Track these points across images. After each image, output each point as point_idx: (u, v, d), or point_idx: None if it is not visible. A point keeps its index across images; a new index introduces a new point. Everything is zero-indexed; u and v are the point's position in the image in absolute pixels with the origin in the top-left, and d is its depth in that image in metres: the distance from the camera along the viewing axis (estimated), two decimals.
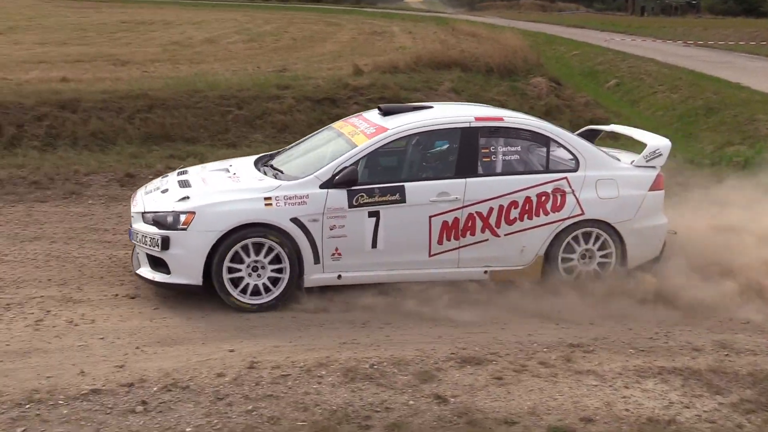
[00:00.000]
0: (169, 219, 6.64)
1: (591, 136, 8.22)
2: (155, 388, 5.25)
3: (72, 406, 5.02)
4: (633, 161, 7.48)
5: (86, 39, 26.95)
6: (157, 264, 6.70)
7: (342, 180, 6.75)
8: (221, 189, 6.95)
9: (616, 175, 7.31)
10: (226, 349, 5.90)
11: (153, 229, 6.67)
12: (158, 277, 6.73)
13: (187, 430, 4.81)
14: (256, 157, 7.86)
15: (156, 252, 6.64)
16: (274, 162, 7.55)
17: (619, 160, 7.52)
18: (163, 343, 6.04)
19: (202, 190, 6.95)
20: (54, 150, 11.53)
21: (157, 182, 7.54)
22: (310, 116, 13.14)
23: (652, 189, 7.37)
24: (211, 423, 4.87)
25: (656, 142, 7.65)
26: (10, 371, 5.46)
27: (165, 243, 6.59)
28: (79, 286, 7.10)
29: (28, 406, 5.00)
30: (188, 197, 6.82)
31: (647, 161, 7.44)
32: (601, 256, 7.26)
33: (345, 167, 6.79)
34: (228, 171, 7.40)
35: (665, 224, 7.48)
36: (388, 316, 6.65)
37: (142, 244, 6.77)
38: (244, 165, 7.56)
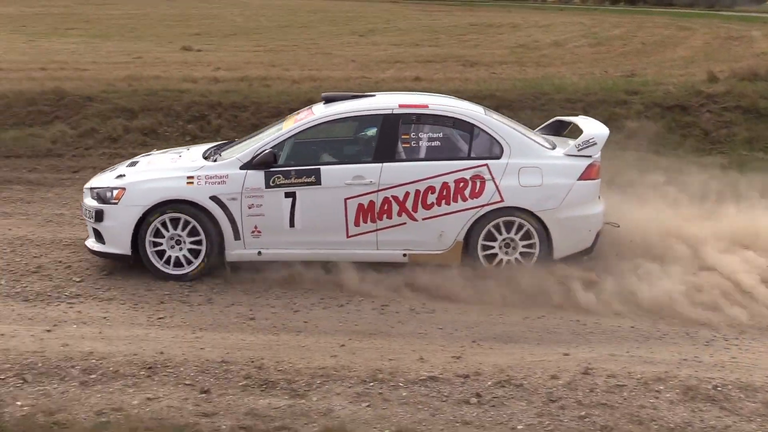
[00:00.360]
0: (106, 194, 7.46)
1: (559, 128, 8.31)
2: (489, 383, 5.45)
3: (411, 390, 5.38)
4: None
5: (437, 41, 28.48)
6: (98, 235, 7.49)
7: (259, 162, 7.26)
8: (154, 169, 7.75)
9: (541, 164, 7.27)
10: (560, 352, 5.96)
11: (93, 203, 7.52)
12: (97, 246, 7.55)
13: (519, 427, 4.94)
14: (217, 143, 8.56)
15: (92, 224, 7.50)
16: (227, 147, 8.03)
17: (552, 148, 7.47)
18: (499, 339, 6.27)
19: (139, 170, 7.75)
20: None
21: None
22: (658, 123, 12.64)
23: (582, 178, 7.28)
24: (543, 424, 4.96)
25: (593, 131, 7.52)
26: (358, 350, 6.03)
27: (99, 215, 7.44)
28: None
29: (371, 384, 5.48)
30: (124, 175, 7.66)
31: (579, 150, 7.34)
32: (524, 246, 7.21)
33: (263, 150, 7.29)
34: (178, 154, 8.13)
35: (598, 215, 7.37)
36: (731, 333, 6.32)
37: (85, 217, 7.65)
38: (196, 149, 8.22)
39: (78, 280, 7.41)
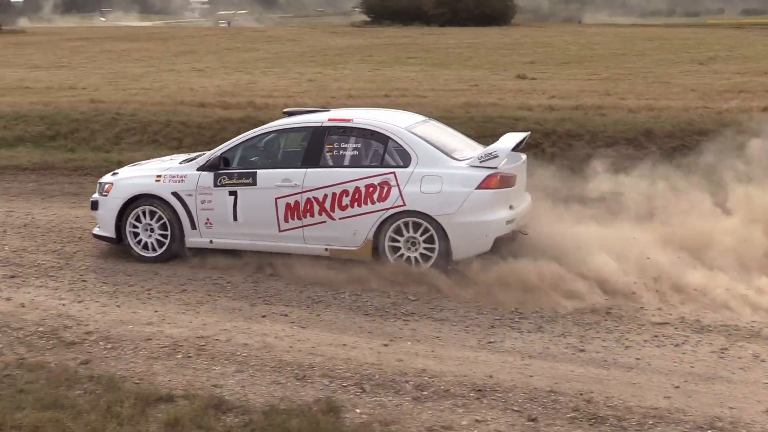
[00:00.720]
0: (101, 188, 9.58)
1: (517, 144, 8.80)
2: None
3: None
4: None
5: None
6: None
7: (209, 165, 9.02)
8: (140, 169, 9.87)
9: (443, 173, 8.29)
10: None
11: (95, 195, 9.70)
12: (95, 230, 9.69)
13: None
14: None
15: (92, 212, 9.80)
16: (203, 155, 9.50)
17: (458, 160, 8.45)
18: None
19: (130, 169, 10.01)
20: None
21: None
22: None
23: (480, 187, 8.18)
24: None
25: (498, 145, 8.48)
26: (694, 393, 5.82)
27: (94, 205, 9.66)
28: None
29: (709, 431, 5.25)
30: (117, 173, 9.85)
31: (481, 162, 8.28)
32: (425, 245, 8.25)
33: (214, 155, 9.06)
34: (169, 159, 10.30)
35: (496, 221, 8.21)
36: None
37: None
38: (181, 156, 10.19)
39: (413, 299, 7.89)
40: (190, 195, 9.05)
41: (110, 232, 9.41)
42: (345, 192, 8.50)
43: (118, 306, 7.83)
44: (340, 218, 8.53)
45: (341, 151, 8.74)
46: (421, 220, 8.28)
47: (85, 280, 8.60)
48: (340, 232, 8.57)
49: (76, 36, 54.79)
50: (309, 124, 9.09)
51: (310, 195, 8.63)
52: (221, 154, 9.09)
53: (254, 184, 8.83)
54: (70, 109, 17.65)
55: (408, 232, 8.36)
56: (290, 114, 9.68)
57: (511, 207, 8.48)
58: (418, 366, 6.33)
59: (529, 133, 9.64)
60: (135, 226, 9.26)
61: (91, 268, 9.01)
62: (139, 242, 9.27)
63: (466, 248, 8.24)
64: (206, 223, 9.07)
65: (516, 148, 8.78)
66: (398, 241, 8.39)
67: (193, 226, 9.10)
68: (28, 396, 5.81)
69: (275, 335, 7.05)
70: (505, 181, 8.38)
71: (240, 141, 9.22)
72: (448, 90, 20.51)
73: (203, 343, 6.87)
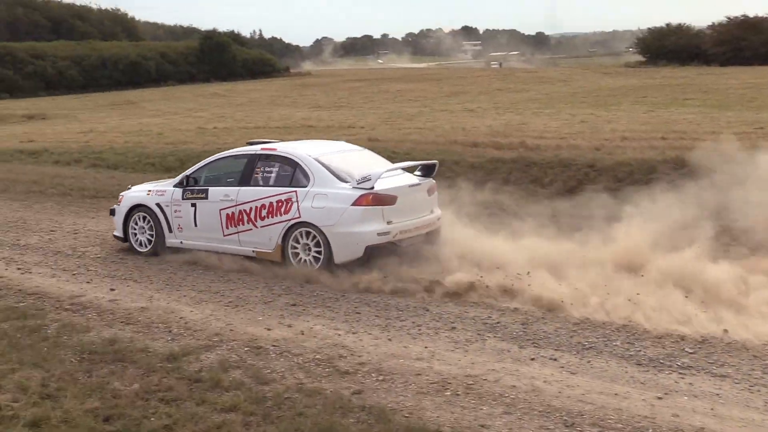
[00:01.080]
0: (118, 199, 12.82)
1: (429, 169, 11.50)
2: None
3: None
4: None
5: None
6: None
7: (179, 182, 11.93)
8: (142, 186, 12.91)
9: (329, 192, 10.58)
10: None
11: (114, 205, 12.94)
12: (114, 233, 12.78)
13: None
14: None
15: (111, 217, 13.08)
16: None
17: (346, 182, 10.61)
18: None
19: (138, 186, 13.00)
20: None
21: None
22: None
23: (354, 204, 10.35)
24: None
25: (373, 170, 10.67)
26: None
27: (112, 212, 12.85)
28: None
29: None
30: (130, 187, 13.02)
31: (358, 184, 10.47)
32: (315, 251, 10.55)
33: (184, 175, 11.94)
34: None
35: (367, 232, 10.29)
36: None
37: None
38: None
39: (690, 351, 7.53)
40: (167, 206, 12.04)
41: (120, 233, 12.59)
42: (263, 205, 10.99)
43: (389, 339, 8.20)
44: (261, 226, 11.04)
45: (265, 174, 11.27)
46: (311, 230, 10.59)
47: (359, 313, 9.09)
48: (261, 238, 11.04)
49: (355, 77, 58.32)
50: (247, 152, 11.71)
51: (242, 208, 11.21)
52: (189, 174, 12.05)
53: (207, 198, 11.64)
54: None
55: (303, 239, 10.68)
56: (251, 143, 12.19)
57: (389, 222, 10.51)
58: (695, 423, 6.05)
59: (437, 162, 11.89)
60: (134, 228, 12.41)
61: (365, 302, 9.50)
62: (136, 241, 12.39)
63: (344, 254, 10.45)
64: (178, 228, 11.97)
65: (428, 174, 11.44)
66: (297, 247, 10.73)
67: (170, 230, 12.07)
68: (306, 420, 6.26)
69: (544, 379, 7.03)
70: (378, 200, 10.47)
71: (202, 164, 12.13)
72: (729, 133, 19.38)
73: (471, 382, 7.00)
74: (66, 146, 27.03)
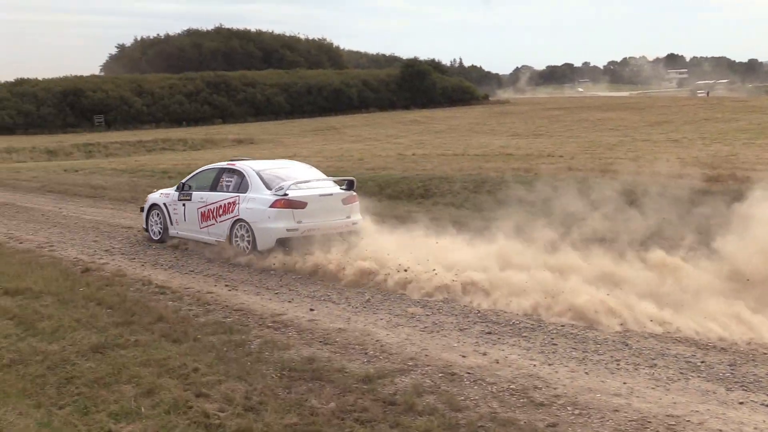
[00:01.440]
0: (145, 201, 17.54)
1: (350, 183, 15.02)
2: None
3: None
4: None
5: None
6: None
7: (177, 188, 16.10)
8: (161, 190, 17.15)
9: (257, 197, 14.24)
10: None
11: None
12: (143, 225, 17.14)
13: None
14: None
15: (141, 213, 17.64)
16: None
17: (271, 190, 14.23)
18: None
19: (159, 190, 17.41)
20: None
21: None
22: None
23: (271, 207, 13.92)
24: None
25: (286, 182, 14.26)
26: None
27: (141, 209, 17.12)
28: None
29: None
30: (153, 191, 17.45)
31: (275, 192, 14.07)
32: (247, 239, 14.23)
33: (181, 183, 16.18)
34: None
35: (278, 228, 13.84)
36: None
37: None
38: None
39: None
40: (170, 205, 16.08)
41: (144, 225, 16.87)
42: (221, 206, 14.83)
43: (586, 373, 7.99)
44: (219, 221, 14.85)
45: (226, 182, 15.11)
46: (245, 224, 14.32)
47: (555, 344, 8.93)
48: (220, 230, 14.84)
49: (554, 105, 57.60)
50: (218, 166, 15.88)
51: (210, 207, 15.09)
52: (184, 182, 16.16)
53: (190, 200, 15.59)
54: (549, 175, 18.59)
55: (240, 231, 14.43)
56: (232, 161, 15.92)
57: (299, 221, 13.91)
58: None
59: (354, 179, 15.27)
60: (151, 222, 16.58)
61: (561, 333, 9.33)
62: (152, 231, 16.52)
63: (263, 244, 14.03)
64: (175, 222, 15.99)
65: (349, 188, 14.81)
66: (238, 237, 14.46)
67: (171, 223, 16.08)
68: None
69: (755, 426, 6.60)
70: (289, 204, 13.94)
71: (193, 174, 16.37)
72: None
73: (673, 423, 6.70)
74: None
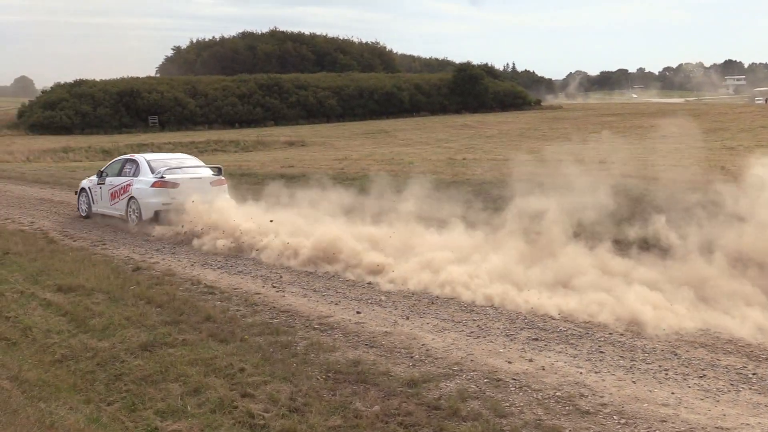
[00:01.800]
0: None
1: (219, 170, 19.77)
2: None
3: None
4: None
5: None
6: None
7: (97, 174, 20.68)
8: (89, 177, 22.27)
9: (143, 179, 18.60)
10: None
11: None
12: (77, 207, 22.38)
13: None
14: None
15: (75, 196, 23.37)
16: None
17: (154, 174, 18.70)
18: None
19: (88, 177, 22.81)
20: None
21: None
22: None
23: (151, 186, 18.31)
24: None
25: (164, 168, 18.80)
26: None
27: (76, 192, 22.28)
28: None
29: None
30: (84, 179, 22.96)
31: (156, 176, 18.43)
32: (136, 213, 18.54)
33: (99, 170, 20.91)
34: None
35: (154, 203, 18.29)
36: None
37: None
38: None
39: None
40: (92, 188, 20.55)
41: (77, 205, 21.39)
42: (122, 187, 19.20)
43: (634, 382, 7.88)
44: (121, 199, 19.19)
45: (127, 169, 19.50)
46: (135, 200, 18.59)
47: (602, 352, 8.82)
48: (121, 206, 19.18)
49: (607, 111, 56.94)
50: (125, 157, 20.58)
51: (115, 189, 19.48)
52: (101, 170, 20.65)
53: (105, 183, 20.03)
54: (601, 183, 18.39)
55: (132, 206, 18.67)
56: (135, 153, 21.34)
57: (173, 198, 18.08)
58: None
59: (221, 167, 20.17)
60: (80, 202, 21.14)
61: (609, 341, 9.21)
62: (81, 209, 21.02)
63: (146, 214, 18.36)
64: (96, 201, 20.37)
65: (218, 173, 19.35)
66: (131, 210, 18.73)
67: (93, 203, 20.50)
68: None
69: None
70: (163, 184, 18.27)
71: (108, 164, 20.98)
72: None
73: None
74: (322, 172, 28.60)
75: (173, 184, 18.28)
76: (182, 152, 28.13)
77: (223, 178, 19.31)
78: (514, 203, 14.44)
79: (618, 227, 13.84)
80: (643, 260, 12.12)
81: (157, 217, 18.23)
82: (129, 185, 18.87)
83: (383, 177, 22.00)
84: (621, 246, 13.05)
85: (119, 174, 19.57)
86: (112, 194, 19.55)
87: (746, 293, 10.47)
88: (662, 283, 10.99)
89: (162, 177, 18.33)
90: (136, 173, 18.97)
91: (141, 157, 19.66)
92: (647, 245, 12.92)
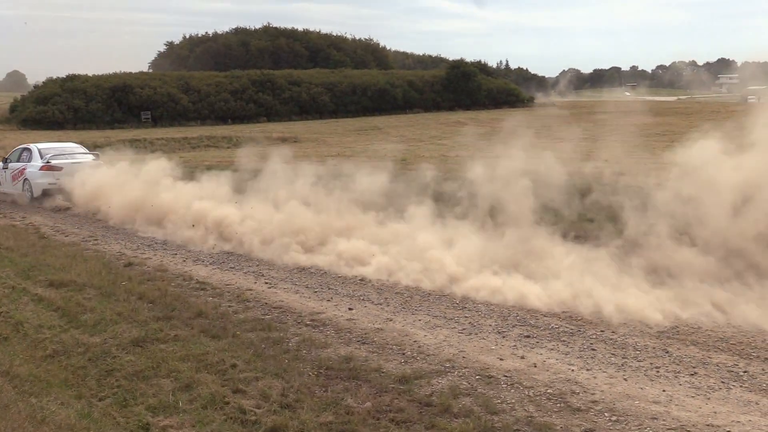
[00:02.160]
0: None
1: (97, 155, 25.91)
2: None
3: None
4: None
5: None
6: None
7: (2, 162, 25.96)
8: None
9: (34, 164, 23.65)
10: None
11: None
12: None
13: None
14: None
15: None
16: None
17: (43, 159, 23.78)
18: None
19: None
20: None
21: None
22: None
23: (40, 170, 23.33)
24: None
25: (50, 154, 24.12)
26: None
27: None
28: None
29: None
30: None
31: (43, 161, 23.51)
32: (29, 192, 23.65)
33: (3, 158, 26.57)
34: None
35: (41, 183, 23.20)
36: None
37: None
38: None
39: None
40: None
41: None
42: (19, 171, 23.95)
43: (625, 379, 7.90)
44: (19, 181, 23.77)
45: (24, 156, 24.29)
46: (28, 181, 23.37)
47: (594, 349, 8.84)
48: (19, 186, 23.89)
49: (600, 109, 56.92)
50: (22, 147, 25.36)
51: (14, 173, 24.18)
52: (6, 157, 25.73)
53: (8, 168, 24.67)
54: (593, 180, 18.46)
55: (26, 186, 23.48)
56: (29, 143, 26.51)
57: (57, 179, 22.84)
58: None
59: (98, 153, 26.75)
60: None
61: (601, 338, 9.23)
62: None
63: (36, 193, 23.20)
64: (2, 183, 24.90)
65: (96, 158, 24.74)
66: (25, 189, 23.53)
67: (1, 185, 25.01)
68: None
69: None
70: (49, 168, 23.14)
71: (11, 152, 25.92)
72: None
73: None
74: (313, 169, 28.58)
75: (57, 168, 23.22)
76: (175, 147, 30.46)
77: (101, 162, 24.26)
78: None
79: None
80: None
81: (45, 195, 23.11)
82: (24, 169, 23.92)
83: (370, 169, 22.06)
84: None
85: (18, 160, 24.60)
86: (13, 177, 24.52)
87: None
88: None
89: (48, 162, 23.37)
90: (29, 159, 24.03)
91: (34, 146, 24.84)
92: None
